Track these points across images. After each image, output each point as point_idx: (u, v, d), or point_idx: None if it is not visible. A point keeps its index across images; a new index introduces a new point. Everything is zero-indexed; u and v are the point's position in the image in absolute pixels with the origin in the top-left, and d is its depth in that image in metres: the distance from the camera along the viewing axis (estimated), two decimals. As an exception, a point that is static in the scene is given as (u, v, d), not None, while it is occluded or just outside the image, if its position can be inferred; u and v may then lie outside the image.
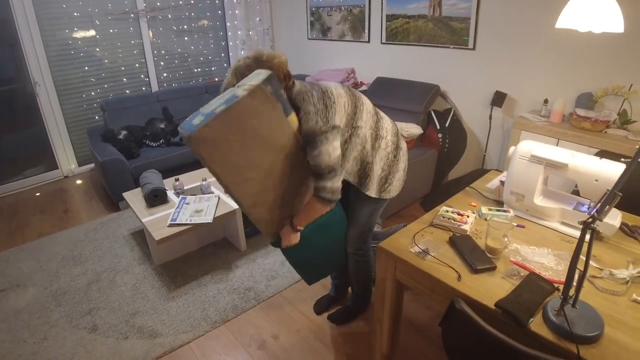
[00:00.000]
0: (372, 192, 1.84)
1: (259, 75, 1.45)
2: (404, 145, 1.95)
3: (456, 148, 3.52)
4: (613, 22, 1.45)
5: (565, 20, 1.52)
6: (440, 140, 3.45)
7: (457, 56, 3.54)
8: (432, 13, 3.58)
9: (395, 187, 1.91)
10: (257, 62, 1.58)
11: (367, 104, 1.78)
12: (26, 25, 3.88)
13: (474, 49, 3.40)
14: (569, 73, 2.92)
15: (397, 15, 3.85)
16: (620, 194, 0.98)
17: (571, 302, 1.14)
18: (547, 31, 2.92)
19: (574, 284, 1.13)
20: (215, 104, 1.40)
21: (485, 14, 3.25)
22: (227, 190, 1.52)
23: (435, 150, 3.48)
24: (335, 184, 1.62)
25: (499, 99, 3.28)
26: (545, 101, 2.99)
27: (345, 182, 1.87)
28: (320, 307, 2.43)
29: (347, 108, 1.67)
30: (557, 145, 2.71)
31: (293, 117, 1.57)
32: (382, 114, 1.89)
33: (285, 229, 1.77)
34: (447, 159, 3.52)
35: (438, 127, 3.48)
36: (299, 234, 1.78)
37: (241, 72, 1.59)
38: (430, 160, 3.48)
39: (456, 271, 1.38)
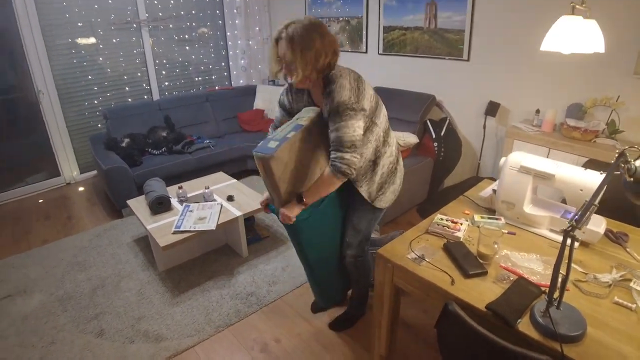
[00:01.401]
0: (364, 191, 1.90)
1: (312, 110, 1.83)
2: (402, 162, 2.06)
3: (451, 156, 3.62)
4: (594, 43, 1.55)
5: (549, 43, 1.62)
6: (436, 148, 3.55)
7: (452, 67, 3.64)
8: (427, 25, 3.69)
9: (387, 198, 1.99)
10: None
11: (384, 108, 1.89)
12: (30, 34, 3.97)
13: (468, 60, 3.51)
14: (559, 84, 3.03)
15: (394, 27, 3.96)
16: (597, 205, 1.07)
17: (556, 304, 1.23)
18: (538, 44, 3.03)
19: (558, 287, 1.22)
20: (285, 131, 1.72)
21: (479, 27, 3.36)
22: (270, 186, 1.76)
23: (431, 159, 3.58)
24: (353, 157, 1.67)
25: (492, 108, 3.38)
26: (537, 111, 3.09)
27: (345, 190, 1.97)
28: (317, 306, 2.52)
29: (372, 100, 1.77)
30: (548, 155, 2.82)
31: None
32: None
33: (291, 203, 1.80)
34: (442, 167, 3.62)
35: (434, 136, 3.57)
36: (300, 209, 1.80)
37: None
38: (427, 169, 3.58)
39: (450, 276, 1.47)
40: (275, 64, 1.76)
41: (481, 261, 1.52)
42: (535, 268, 1.50)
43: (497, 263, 1.53)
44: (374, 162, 1.88)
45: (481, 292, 1.39)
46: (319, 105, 1.87)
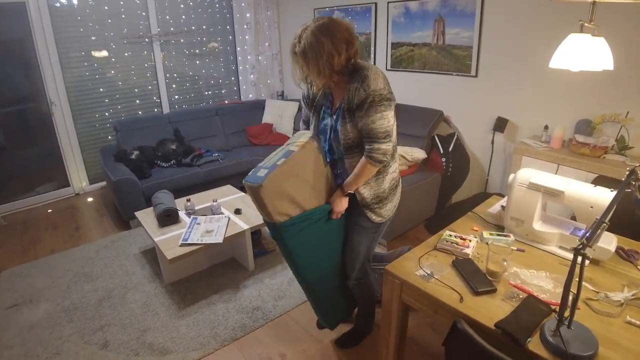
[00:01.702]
0: (358, 194, 1.86)
1: (304, 135, 1.86)
2: (401, 181, 2.04)
3: (459, 172, 3.61)
4: (603, 61, 1.55)
5: (558, 61, 1.62)
6: (444, 164, 3.54)
7: (460, 83, 3.66)
8: (435, 41, 3.72)
9: (384, 213, 1.93)
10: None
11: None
12: (45, 47, 4.05)
13: (476, 76, 3.52)
14: (568, 100, 3.02)
15: (402, 43, 4.00)
16: (608, 222, 1.06)
17: (566, 323, 1.21)
18: (546, 61, 3.03)
19: (569, 305, 1.20)
20: (275, 158, 1.73)
21: (487, 43, 3.38)
22: (260, 208, 1.77)
23: (439, 174, 3.57)
24: (388, 146, 1.71)
25: (500, 124, 3.38)
26: (546, 127, 3.09)
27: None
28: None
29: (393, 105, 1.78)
30: (557, 171, 2.80)
31: (328, 168, 1.90)
32: None
33: (336, 194, 1.87)
34: (450, 182, 3.61)
35: (442, 151, 3.57)
36: (347, 198, 1.87)
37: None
38: (434, 184, 3.57)
39: (459, 293, 1.45)
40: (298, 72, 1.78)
41: (490, 278, 1.50)
42: (545, 286, 1.48)
43: (507, 280, 1.52)
44: (379, 172, 1.84)
45: (490, 310, 1.37)
46: (337, 96, 1.83)
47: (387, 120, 1.67)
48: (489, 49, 3.38)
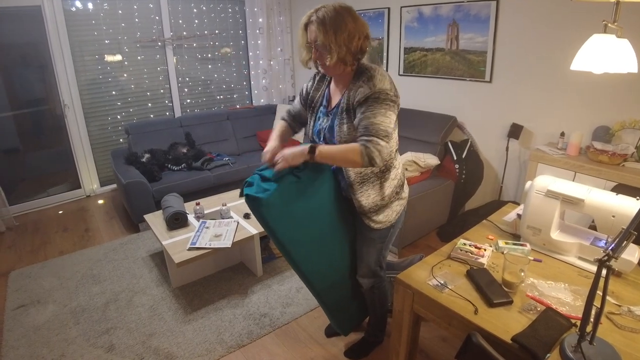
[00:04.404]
0: (356, 200, 1.78)
1: None
2: (407, 190, 1.94)
3: (473, 179, 3.54)
4: (628, 63, 1.49)
5: (580, 62, 1.56)
6: (457, 170, 3.48)
7: (474, 88, 3.60)
8: (449, 46, 3.67)
9: (382, 219, 1.83)
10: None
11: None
12: (59, 50, 4.08)
13: (490, 81, 3.46)
14: (585, 106, 2.95)
15: (415, 48, 3.95)
16: (635, 232, 1.00)
17: (588, 339, 1.15)
18: (563, 65, 2.97)
19: (591, 320, 1.14)
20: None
21: (501, 48, 3.32)
22: None
23: (452, 181, 3.51)
24: (385, 148, 1.55)
25: (515, 131, 3.31)
26: (562, 134, 3.01)
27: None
28: (331, 330, 2.44)
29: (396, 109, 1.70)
30: (574, 178, 2.73)
31: None
32: None
33: (299, 148, 1.61)
34: (463, 189, 3.54)
35: (455, 157, 3.51)
36: (305, 158, 1.61)
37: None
38: (447, 191, 3.50)
39: (473, 305, 1.39)
40: (306, 51, 1.70)
41: (506, 289, 1.44)
42: (564, 298, 1.42)
43: (523, 292, 1.45)
44: (377, 177, 1.76)
45: (506, 323, 1.31)
46: (334, 95, 1.76)
47: (389, 120, 1.57)
48: (503, 54, 3.32)
